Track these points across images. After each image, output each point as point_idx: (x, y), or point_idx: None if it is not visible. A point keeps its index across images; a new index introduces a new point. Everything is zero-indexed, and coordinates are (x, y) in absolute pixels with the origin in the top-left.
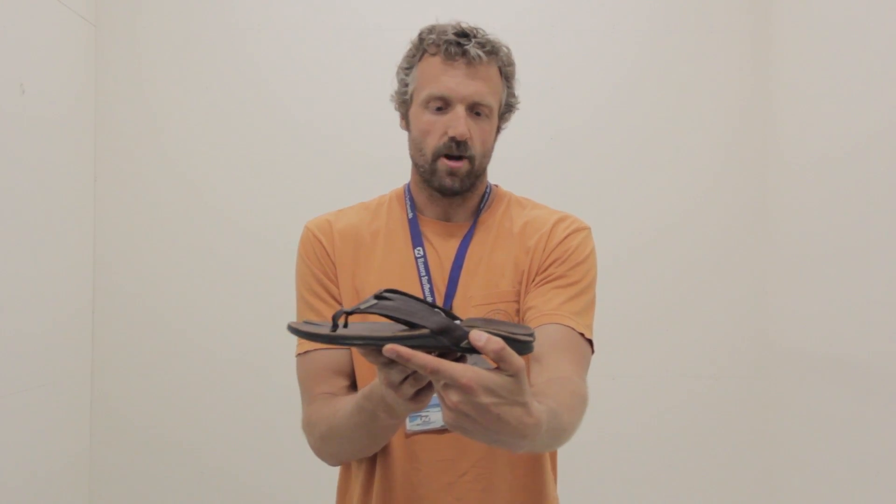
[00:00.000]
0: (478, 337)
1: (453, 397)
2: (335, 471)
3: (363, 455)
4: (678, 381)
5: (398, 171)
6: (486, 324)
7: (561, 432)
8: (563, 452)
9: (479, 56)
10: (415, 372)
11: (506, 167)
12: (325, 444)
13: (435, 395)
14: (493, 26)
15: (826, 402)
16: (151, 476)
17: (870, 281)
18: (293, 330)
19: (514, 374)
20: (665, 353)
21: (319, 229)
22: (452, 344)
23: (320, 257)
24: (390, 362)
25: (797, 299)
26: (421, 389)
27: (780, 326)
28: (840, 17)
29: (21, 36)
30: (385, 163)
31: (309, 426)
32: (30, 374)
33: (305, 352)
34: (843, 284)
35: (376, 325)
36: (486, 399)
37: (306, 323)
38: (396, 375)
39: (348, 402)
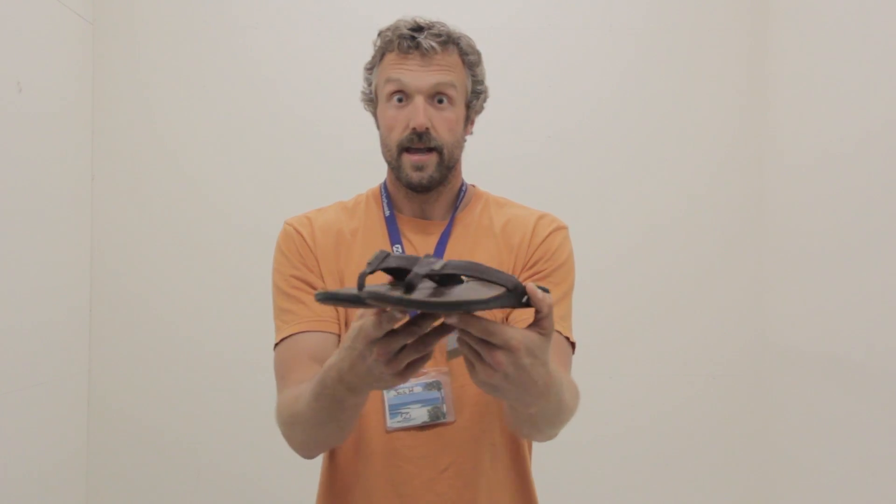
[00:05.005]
0: (534, 291)
1: (501, 358)
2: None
3: (332, 444)
4: (676, 380)
5: None
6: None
7: (563, 408)
8: (561, 450)
9: (432, 47)
10: (415, 342)
11: (504, 166)
12: (291, 431)
13: (406, 392)
14: (490, 25)
15: (823, 400)
16: (148, 473)
17: (867, 280)
18: (369, 294)
19: (549, 334)
20: (662, 352)
21: (300, 224)
22: (519, 301)
23: (301, 250)
24: (392, 332)
25: (794, 298)
26: (413, 361)
27: (778, 325)
28: (837, 16)
29: (18, 34)
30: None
31: (277, 415)
32: (27, 373)
33: (284, 338)
34: (840, 283)
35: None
36: (526, 360)
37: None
38: (396, 344)
39: (307, 388)
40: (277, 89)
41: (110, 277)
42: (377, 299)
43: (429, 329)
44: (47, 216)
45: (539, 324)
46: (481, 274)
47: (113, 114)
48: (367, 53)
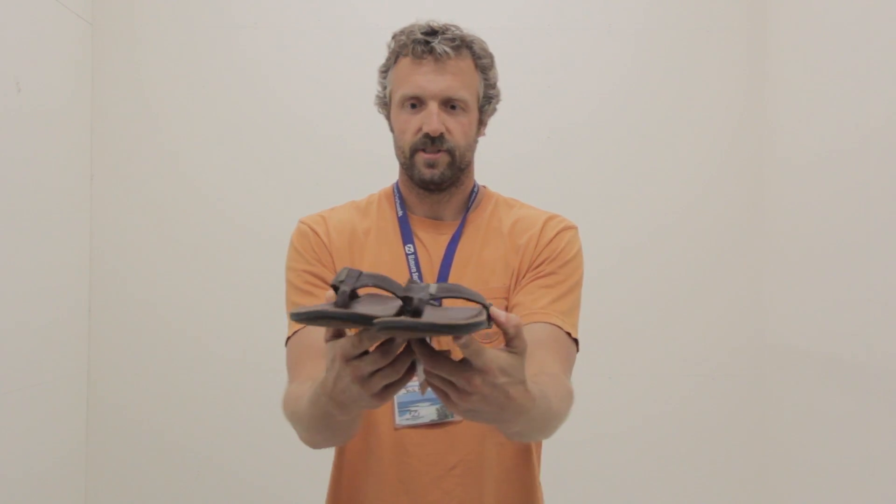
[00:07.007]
0: (498, 313)
1: (477, 381)
2: (330, 466)
3: (332, 445)
4: (675, 379)
5: (396, 169)
6: (448, 291)
7: (551, 417)
8: (561, 450)
9: (446, 52)
10: (390, 364)
11: (502, 166)
12: (294, 427)
13: (415, 390)
14: (490, 25)
15: (822, 400)
16: (147, 473)
17: (865, 280)
18: (296, 316)
19: (521, 353)
20: (662, 352)
21: (315, 222)
22: (489, 323)
23: (316, 248)
24: (364, 353)
25: (793, 298)
26: (390, 384)
27: (777, 325)
28: (837, 16)
29: (18, 34)
30: (383, 160)
31: (283, 406)
32: (26, 373)
33: (293, 333)
34: (838, 283)
35: (380, 299)
36: (501, 379)
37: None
38: (368, 367)
39: (308, 391)
40: (276, 89)
41: (109, 277)
42: (355, 321)
43: (398, 353)
44: (46, 216)
45: (510, 343)
46: (460, 294)
47: (112, 114)
48: (366, 52)
